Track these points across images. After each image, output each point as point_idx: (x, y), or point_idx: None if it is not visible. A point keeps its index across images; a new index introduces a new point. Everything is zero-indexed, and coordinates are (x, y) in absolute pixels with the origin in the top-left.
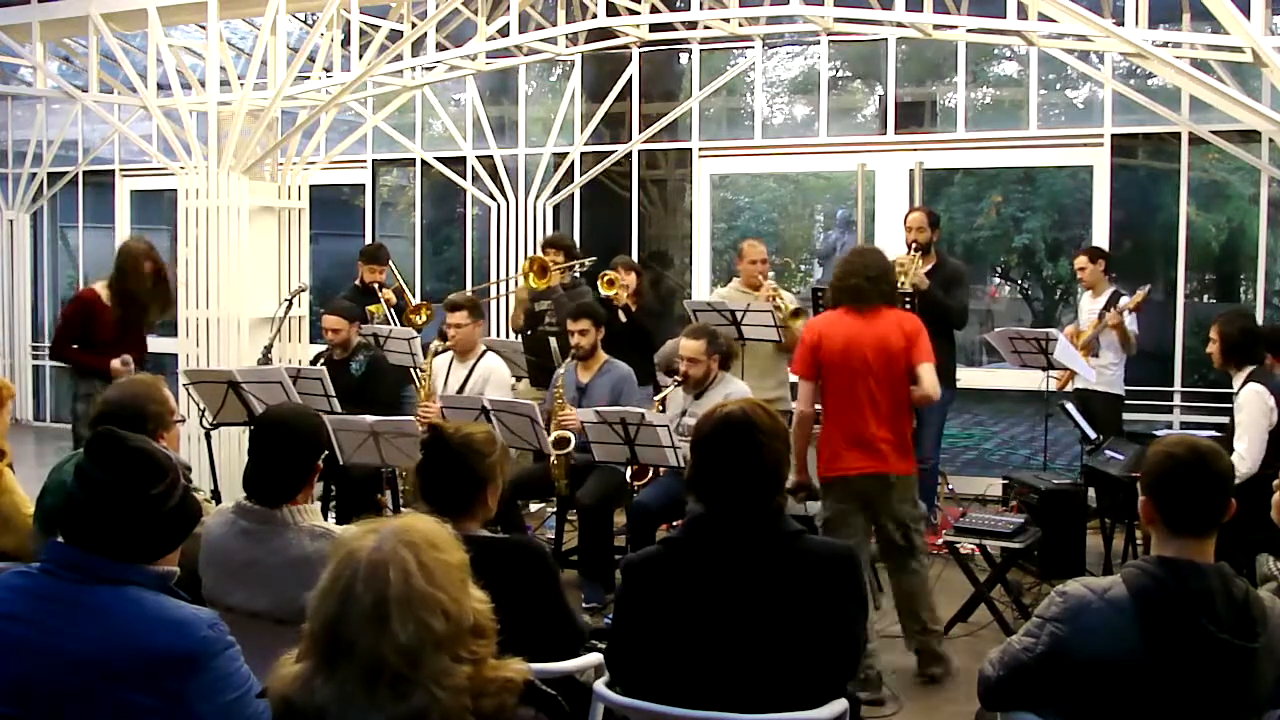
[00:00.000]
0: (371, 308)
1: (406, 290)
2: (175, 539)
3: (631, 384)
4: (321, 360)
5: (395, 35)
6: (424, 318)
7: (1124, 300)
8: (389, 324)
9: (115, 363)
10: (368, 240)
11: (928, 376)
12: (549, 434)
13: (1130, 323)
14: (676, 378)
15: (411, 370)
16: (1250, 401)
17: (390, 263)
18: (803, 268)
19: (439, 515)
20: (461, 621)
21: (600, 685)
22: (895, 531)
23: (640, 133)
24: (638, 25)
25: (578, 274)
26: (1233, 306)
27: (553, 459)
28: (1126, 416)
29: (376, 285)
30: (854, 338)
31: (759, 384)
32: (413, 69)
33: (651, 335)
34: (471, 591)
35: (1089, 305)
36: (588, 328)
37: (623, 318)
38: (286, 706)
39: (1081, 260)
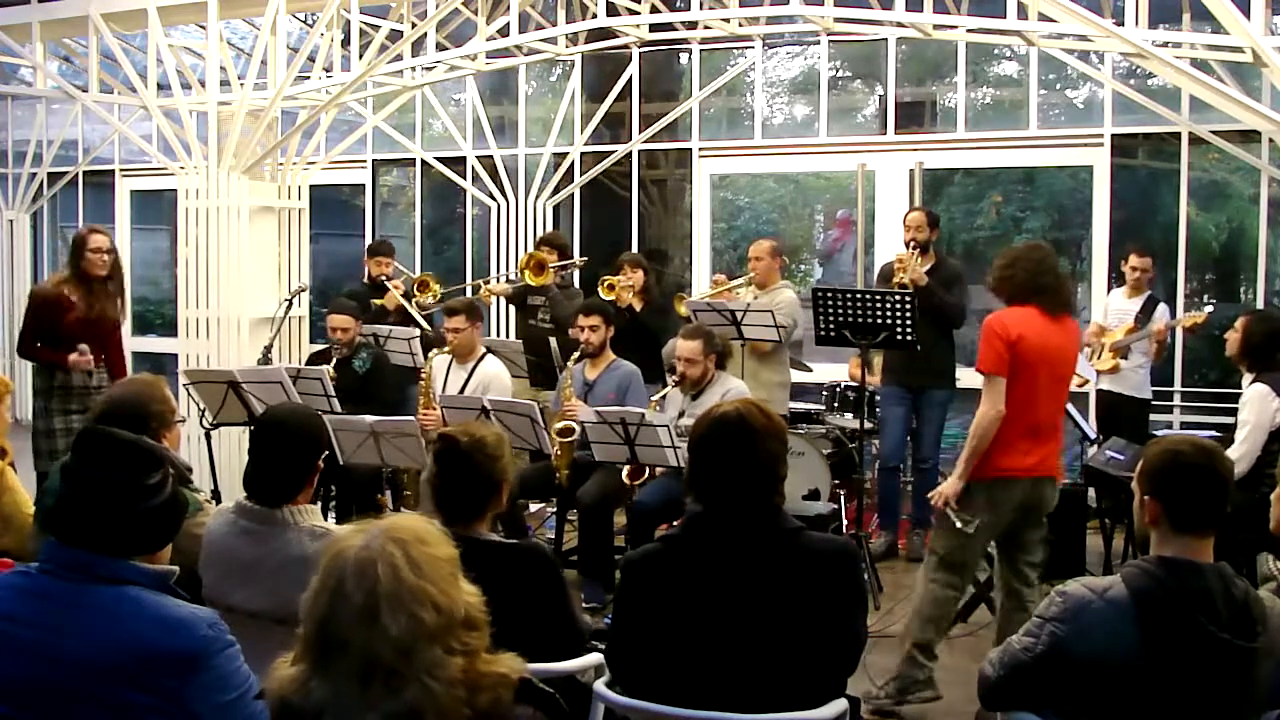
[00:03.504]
0: (380, 300)
1: (411, 276)
2: (170, 530)
3: (638, 382)
4: (334, 360)
5: (395, 35)
6: (432, 290)
7: (1162, 309)
8: (403, 315)
9: (72, 356)
10: (368, 240)
11: None
12: (554, 423)
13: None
14: (674, 378)
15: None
16: (1252, 401)
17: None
18: (802, 267)
19: (452, 522)
20: (452, 614)
21: (600, 685)
22: (1040, 543)
23: (640, 133)
24: (638, 25)
25: (572, 274)
26: (1267, 310)
27: (556, 447)
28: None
29: (384, 278)
30: (1046, 342)
31: (770, 380)
32: (413, 69)
33: (657, 333)
34: (461, 584)
35: (1121, 304)
36: (599, 323)
37: (627, 316)
38: (283, 708)
39: (1144, 262)
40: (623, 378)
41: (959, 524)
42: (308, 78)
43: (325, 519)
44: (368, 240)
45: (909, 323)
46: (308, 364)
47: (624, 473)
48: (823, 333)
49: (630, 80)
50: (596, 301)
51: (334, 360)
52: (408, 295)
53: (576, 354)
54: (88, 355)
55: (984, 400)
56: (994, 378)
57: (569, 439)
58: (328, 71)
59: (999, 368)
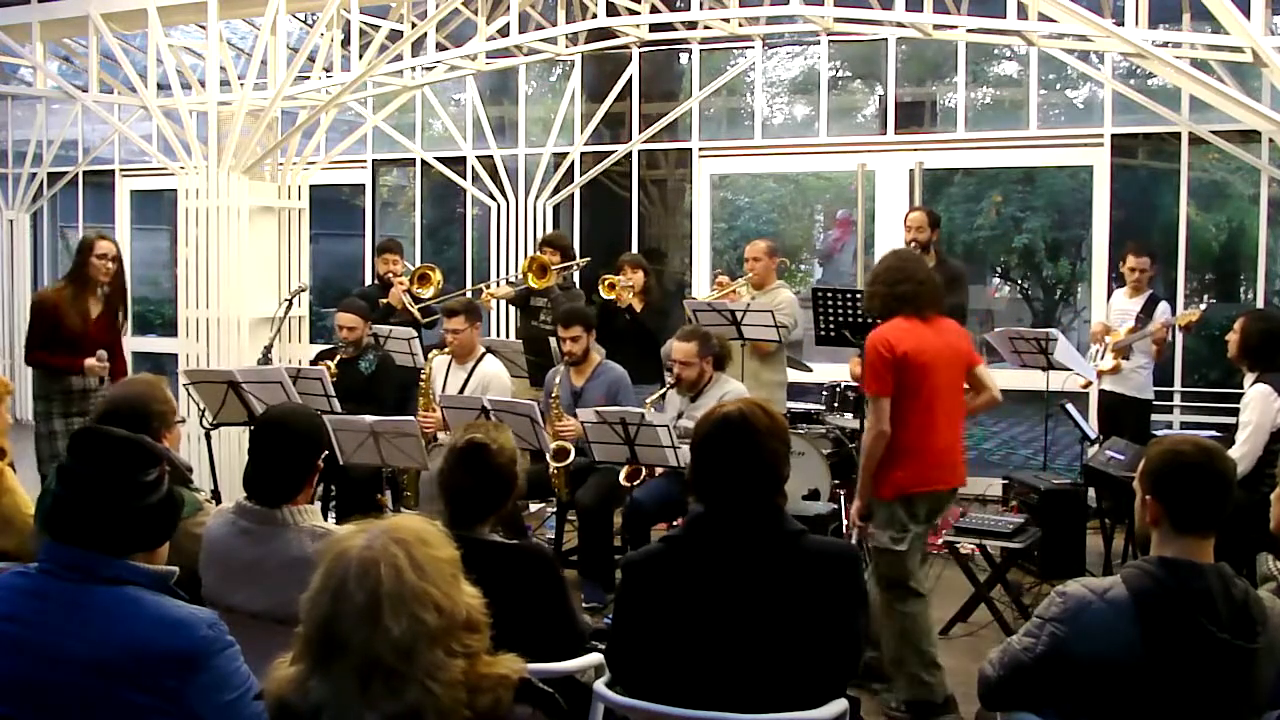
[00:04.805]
0: (386, 300)
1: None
2: (168, 527)
3: (627, 385)
4: (338, 358)
5: (395, 35)
6: (434, 282)
7: (1163, 307)
8: (408, 313)
9: (89, 360)
10: (368, 240)
11: (990, 378)
12: (550, 439)
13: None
14: (671, 379)
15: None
16: (1254, 401)
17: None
18: (802, 268)
19: (457, 523)
20: (454, 615)
21: (600, 685)
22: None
23: (640, 133)
24: (638, 25)
25: (573, 274)
26: (1265, 310)
27: (552, 470)
28: None
29: (391, 275)
30: (933, 348)
31: (770, 380)
32: (413, 69)
33: (657, 333)
34: (463, 586)
35: (1123, 304)
36: (579, 334)
37: (627, 316)
38: (282, 708)
39: (1142, 262)
40: (612, 382)
41: (892, 544)
42: (308, 78)
43: (325, 519)
44: (368, 240)
45: None
46: (313, 363)
47: (622, 474)
48: (823, 333)
49: (630, 80)
50: (573, 310)
51: (337, 359)
52: (408, 291)
53: (562, 361)
54: (105, 362)
55: (869, 420)
56: (879, 399)
57: (564, 463)
58: (328, 71)
59: (883, 389)
